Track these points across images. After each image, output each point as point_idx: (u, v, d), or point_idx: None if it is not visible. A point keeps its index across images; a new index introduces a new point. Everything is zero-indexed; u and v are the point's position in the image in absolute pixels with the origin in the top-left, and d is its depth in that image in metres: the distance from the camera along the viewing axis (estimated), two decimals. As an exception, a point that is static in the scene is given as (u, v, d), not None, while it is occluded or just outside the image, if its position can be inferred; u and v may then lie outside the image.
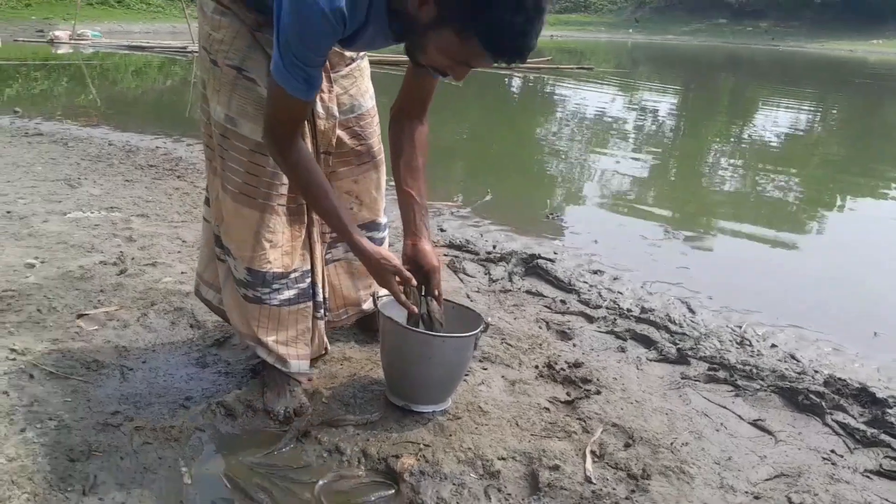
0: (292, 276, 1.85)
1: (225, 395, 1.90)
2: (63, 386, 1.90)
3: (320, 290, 1.96)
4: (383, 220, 2.15)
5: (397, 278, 1.72)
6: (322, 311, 1.99)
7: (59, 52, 14.94)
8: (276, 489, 1.58)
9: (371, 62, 2.11)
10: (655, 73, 19.40)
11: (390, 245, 2.37)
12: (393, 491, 1.62)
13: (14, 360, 2.00)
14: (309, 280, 1.91)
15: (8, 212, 3.35)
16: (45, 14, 20.13)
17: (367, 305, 2.16)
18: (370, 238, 2.08)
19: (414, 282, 1.74)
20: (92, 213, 3.48)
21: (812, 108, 12.51)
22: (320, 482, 1.61)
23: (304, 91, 1.50)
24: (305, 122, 1.78)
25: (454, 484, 1.62)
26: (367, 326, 2.29)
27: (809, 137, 8.85)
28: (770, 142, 8.17)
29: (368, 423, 1.83)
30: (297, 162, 1.62)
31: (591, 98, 11.86)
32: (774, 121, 9.94)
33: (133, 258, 2.86)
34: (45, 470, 1.55)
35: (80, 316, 2.33)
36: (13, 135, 5.59)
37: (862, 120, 11.71)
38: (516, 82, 13.97)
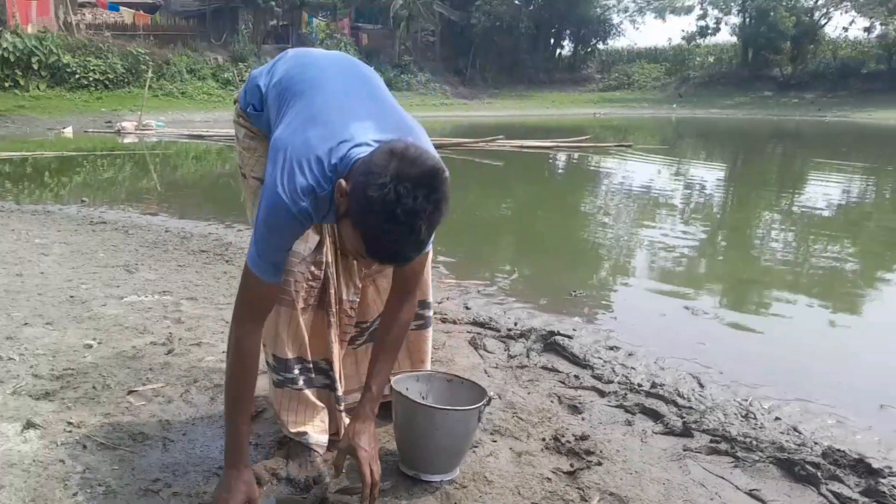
0: (309, 364, 2.08)
1: (254, 465, 2.09)
2: (112, 456, 2.13)
3: (338, 386, 2.18)
4: (431, 300, 2.38)
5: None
6: (342, 404, 2.20)
7: (126, 141, 15.92)
8: (292, 549, 1.76)
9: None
10: (699, 148, 19.54)
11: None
12: (398, 552, 1.78)
13: (70, 432, 2.24)
14: (325, 369, 2.14)
15: (71, 296, 3.69)
16: (115, 105, 21.54)
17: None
18: (422, 314, 2.31)
19: None
20: (146, 296, 3.79)
21: (860, 181, 12.45)
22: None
23: (273, 275, 1.74)
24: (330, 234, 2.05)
25: (453, 546, 1.77)
26: (386, 411, 2.47)
27: (851, 212, 8.84)
28: (808, 217, 8.19)
29: (381, 491, 2.00)
30: (241, 346, 1.79)
31: (632, 174, 12.06)
32: (823, 195, 9.91)
33: (180, 338, 3.13)
34: (92, 529, 1.76)
35: (130, 392, 2.57)
36: (79, 223, 6.07)
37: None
38: (561, 161, 14.33)
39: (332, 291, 2.12)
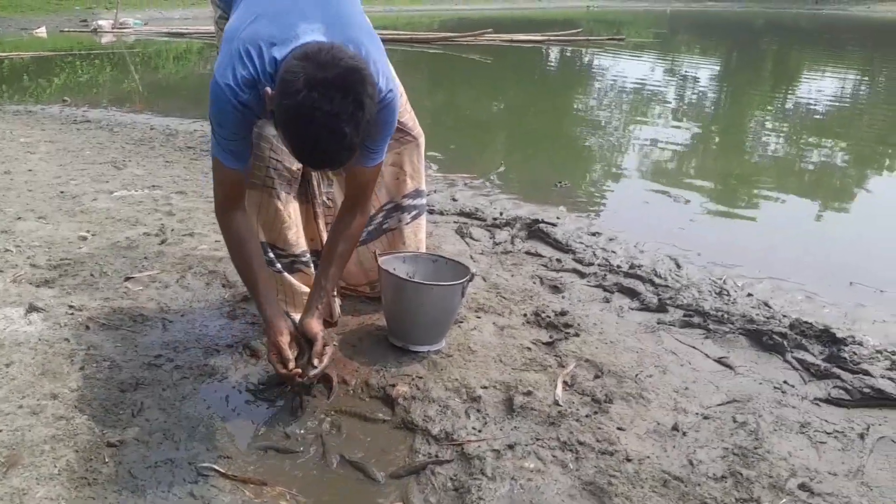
0: (290, 247, 2.14)
1: (251, 341, 2.22)
2: (114, 335, 2.23)
3: None
4: (425, 188, 2.44)
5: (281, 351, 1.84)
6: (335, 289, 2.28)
7: (103, 41, 15.46)
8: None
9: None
10: (694, 42, 19.17)
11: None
12: (390, 412, 1.92)
13: (73, 314, 2.34)
14: (308, 256, 2.20)
15: (61, 192, 3.72)
16: (89, 4, 20.72)
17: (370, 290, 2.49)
18: (415, 205, 2.39)
19: (289, 359, 1.83)
20: (136, 191, 3.83)
21: (846, 76, 12.32)
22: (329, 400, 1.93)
23: (232, 161, 1.76)
24: None
25: (440, 405, 1.90)
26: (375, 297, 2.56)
27: (837, 110, 8.82)
28: (794, 114, 8.18)
29: (371, 360, 2.12)
30: (229, 226, 1.86)
31: (625, 71, 11.90)
32: (816, 88, 9.86)
33: (173, 229, 3.20)
34: (100, 398, 1.88)
35: (127, 279, 2.66)
36: (63, 122, 6.01)
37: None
38: (553, 55, 14.06)
39: (315, 184, 2.17)
